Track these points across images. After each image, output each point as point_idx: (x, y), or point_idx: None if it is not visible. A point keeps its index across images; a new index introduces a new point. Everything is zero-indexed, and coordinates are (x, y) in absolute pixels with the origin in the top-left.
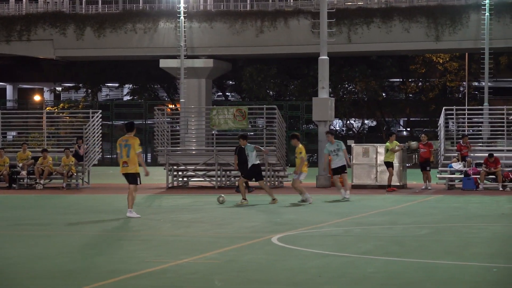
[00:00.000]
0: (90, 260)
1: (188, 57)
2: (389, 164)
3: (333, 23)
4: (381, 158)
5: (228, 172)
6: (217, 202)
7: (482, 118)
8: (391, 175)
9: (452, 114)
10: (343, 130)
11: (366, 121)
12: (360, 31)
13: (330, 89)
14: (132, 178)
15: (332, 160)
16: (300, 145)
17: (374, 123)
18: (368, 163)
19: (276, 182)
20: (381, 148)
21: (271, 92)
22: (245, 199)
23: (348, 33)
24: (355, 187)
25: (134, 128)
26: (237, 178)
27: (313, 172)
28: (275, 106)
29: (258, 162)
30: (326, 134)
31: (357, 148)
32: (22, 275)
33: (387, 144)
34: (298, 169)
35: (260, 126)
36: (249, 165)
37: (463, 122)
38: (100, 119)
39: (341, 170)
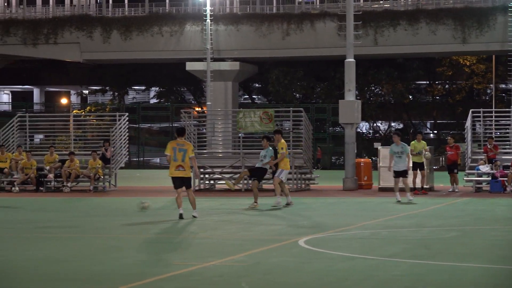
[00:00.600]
0: (115, 262)
1: (214, 60)
2: (415, 165)
3: (360, 25)
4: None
5: None
6: (139, 208)
7: (509, 120)
8: (415, 177)
9: (479, 117)
10: (369, 133)
11: (393, 124)
12: (386, 33)
13: (356, 92)
14: (188, 182)
15: (395, 162)
16: (283, 141)
17: (401, 125)
18: None
19: (303, 185)
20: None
21: (297, 95)
22: (256, 202)
23: (374, 35)
24: (382, 189)
25: (185, 132)
26: (268, 181)
27: (341, 175)
28: (301, 108)
29: (265, 167)
30: (392, 135)
31: (383, 151)
32: (46, 277)
33: (414, 142)
34: (277, 163)
35: (287, 128)
36: (257, 166)
37: (490, 125)
38: (127, 122)
39: (403, 173)
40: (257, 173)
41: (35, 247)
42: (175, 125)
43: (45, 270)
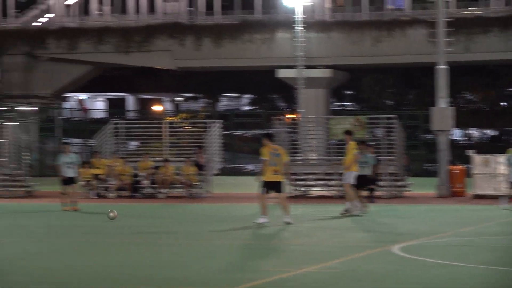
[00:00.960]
0: (208, 269)
1: (306, 67)
2: None
3: (451, 32)
4: (502, 168)
5: None
6: (108, 218)
7: None
8: None
9: None
10: (462, 140)
11: (486, 131)
12: (478, 40)
13: (449, 99)
14: (280, 187)
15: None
16: (352, 142)
17: (495, 132)
18: (489, 173)
19: (396, 192)
20: (502, 158)
21: (389, 102)
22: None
23: (466, 42)
24: (477, 197)
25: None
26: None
27: (433, 182)
28: (394, 115)
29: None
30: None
31: (477, 158)
32: (138, 282)
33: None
34: (348, 165)
35: (379, 135)
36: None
37: None
38: (221, 129)
39: None
40: (362, 181)
41: (127, 253)
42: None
43: (135, 276)
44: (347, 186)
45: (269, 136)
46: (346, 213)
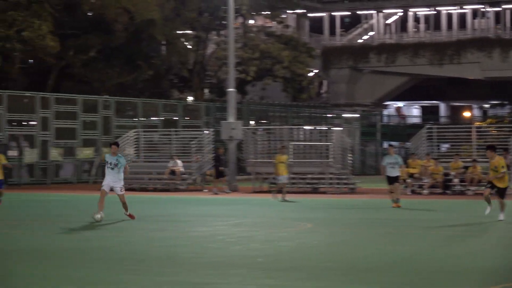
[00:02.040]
0: (503, 258)
1: None
2: None
3: None
4: None
5: None
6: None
7: None
8: None
9: None
10: None
11: None
12: None
13: None
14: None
15: None
16: None
17: None
18: None
19: None
20: None
21: None
22: None
23: None
24: None
25: None
26: None
27: None
28: None
29: None
30: None
31: None
32: (441, 269)
33: None
34: None
35: None
36: None
37: None
38: None
39: None
40: None
41: (437, 243)
42: None
43: (442, 263)
44: None
45: (494, 148)
46: None
